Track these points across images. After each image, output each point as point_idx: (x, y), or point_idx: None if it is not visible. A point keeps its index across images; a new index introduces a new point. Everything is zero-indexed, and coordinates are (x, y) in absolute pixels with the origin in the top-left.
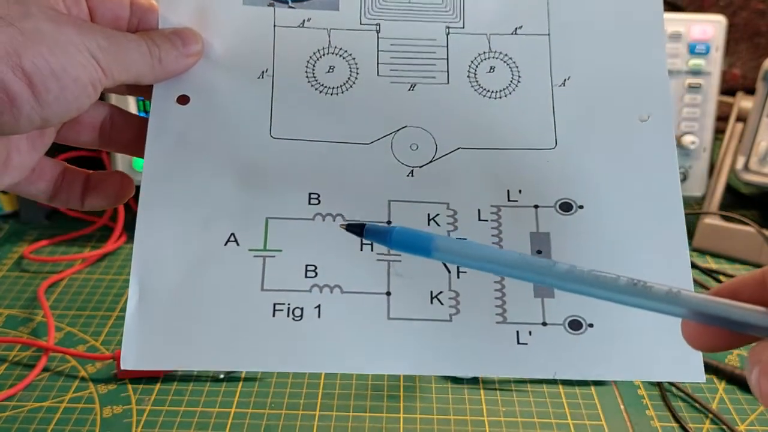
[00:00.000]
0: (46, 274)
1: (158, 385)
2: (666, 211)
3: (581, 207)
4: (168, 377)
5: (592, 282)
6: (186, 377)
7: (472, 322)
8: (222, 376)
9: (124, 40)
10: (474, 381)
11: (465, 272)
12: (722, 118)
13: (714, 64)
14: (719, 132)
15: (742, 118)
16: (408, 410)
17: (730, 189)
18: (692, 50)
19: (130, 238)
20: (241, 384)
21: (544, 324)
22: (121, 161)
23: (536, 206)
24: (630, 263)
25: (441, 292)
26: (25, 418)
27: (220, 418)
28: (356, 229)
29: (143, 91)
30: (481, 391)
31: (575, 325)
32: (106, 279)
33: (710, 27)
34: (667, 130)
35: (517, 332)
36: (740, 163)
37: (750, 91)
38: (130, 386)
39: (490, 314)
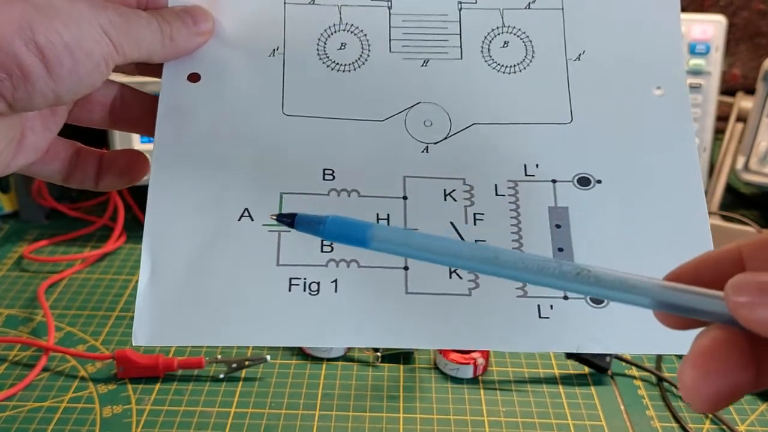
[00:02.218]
0: (46, 274)
1: (158, 385)
2: (685, 183)
3: (599, 182)
4: (168, 377)
5: (536, 271)
6: (186, 377)
7: (492, 297)
8: (222, 375)
9: (135, 17)
10: (474, 381)
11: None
12: (722, 118)
13: (714, 64)
14: (719, 132)
15: (742, 118)
16: (408, 410)
17: (730, 189)
18: (692, 50)
19: (130, 238)
20: (241, 384)
21: (566, 297)
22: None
23: (554, 181)
24: (650, 237)
25: None
26: (25, 418)
27: (220, 418)
28: (287, 219)
29: (153, 71)
30: (481, 391)
31: (597, 298)
32: (106, 279)
33: (710, 27)
34: (683, 103)
35: (539, 306)
36: (740, 163)
37: (750, 91)
38: (130, 386)
39: (510, 288)
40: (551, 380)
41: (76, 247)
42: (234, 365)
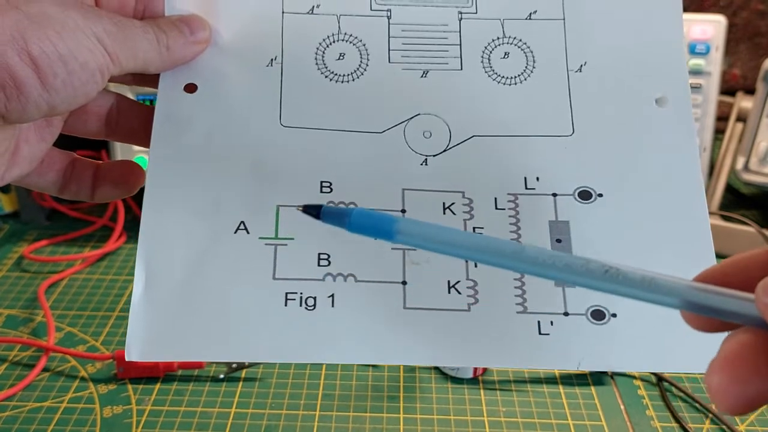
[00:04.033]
0: (46, 274)
1: (158, 385)
2: (687, 196)
3: (600, 195)
4: (168, 377)
5: (561, 268)
6: (186, 377)
7: (492, 312)
8: (222, 376)
9: (131, 26)
10: (474, 381)
11: None
12: (722, 118)
13: (714, 64)
14: (719, 132)
15: (742, 118)
16: (408, 410)
17: (730, 189)
18: (692, 50)
19: (130, 238)
20: (241, 384)
21: (566, 314)
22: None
23: (554, 194)
24: (652, 251)
25: (458, 281)
26: (25, 418)
27: (220, 419)
28: (313, 210)
29: (149, 81)
30: (481, 391)
31: (598, 314)
32: (107, 279)
33: (710, 27)
34: (685, 114)
35: (539, 322)
36: (740, 163)
37: (750, 91)
38: (130, 386)
39: (509, 304)
40: (551, 380)
41: (77, 247)
42: (234, 365)
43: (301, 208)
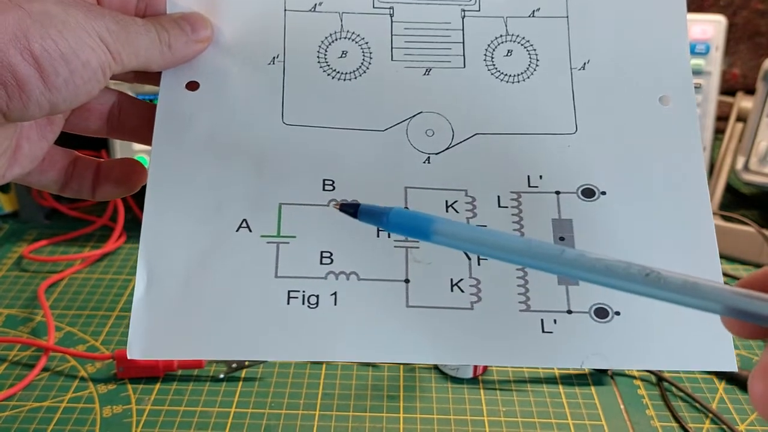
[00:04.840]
0: (45, 274)
1: (158, 385)
2: (691, 194)
3: (604, 193)
4: (168, 377)
5: (602, 271)
6: (186, 377)
7: (495, 311)
8: (222, 375)
9: (132, 24)
10: (474, 381)
11: (486, 259)
12: (722, 118)
13: (714, 64)
14: (719, 132)
15: (742, 118)
16: (408, 410)
17: (730, 189)
18: (692, 50)
19: (130, 238)
20: (241, 384)
21: (570, 312)
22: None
23: (558, 192)
24: (655, 250)
25: (461, 280)
26: (25, 418)
27: (220, 418)
28: (350, 209)
29: (151, 79)
30: (481, 391)
31: (601, 313)
32: (106, 279)
33: (710, 27)
34: (689, 112)
35: (542, 321)
36: (740, 163)
37: (750, 91)
38: (130, 386)
39: (513, 302)
40: (551, 380)
41: (76, 247)
42: (234, 365)
43: (338, 206)
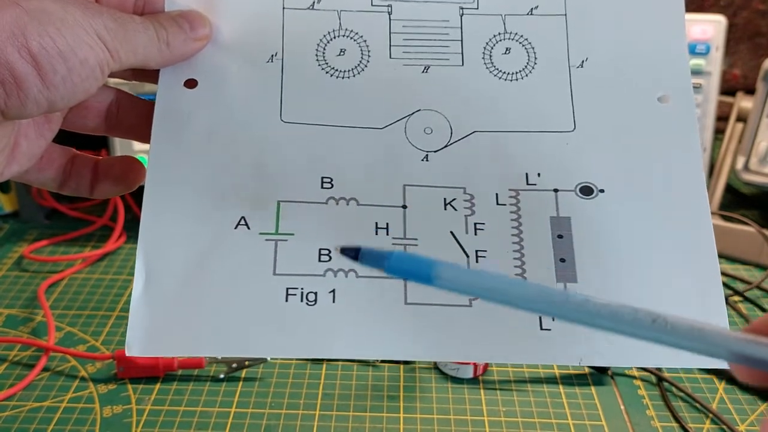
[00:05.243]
0: (46, 274)
1: (158, 385)
2: (689, 192)
3: (602, 191)
4: (168, 377)
5: (608, 316)
6: (186, 377)
7: (493, 308)
8: (222, 375)
9: (131, 22)
10: (474, 381)
11: (484, 256)
12: (722, 118)
13: (714, 64)
14: (719, 132)
15: (742, 118)
16: (408, 410)
17: (730, 189)
18: (692, 50)
19: (131, 237)
20: (241, 384)
21: None
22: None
23: (556, 190)
24: (653, 248)
25: None
26: (25, 418)
27: (220, 418)
28: (351, 252)
29: (149, 77)
30: (481, 391)
31: None
32: (106, 279)
33: (710, 27)
34: (688, 110)
35: (540, 318)
36: (740, 163)
37: (750, 91)
38: (130, 386)
39: None
40: (551, 380)
41: (76, 247)
42: (234, 365)
43: (339, 250)
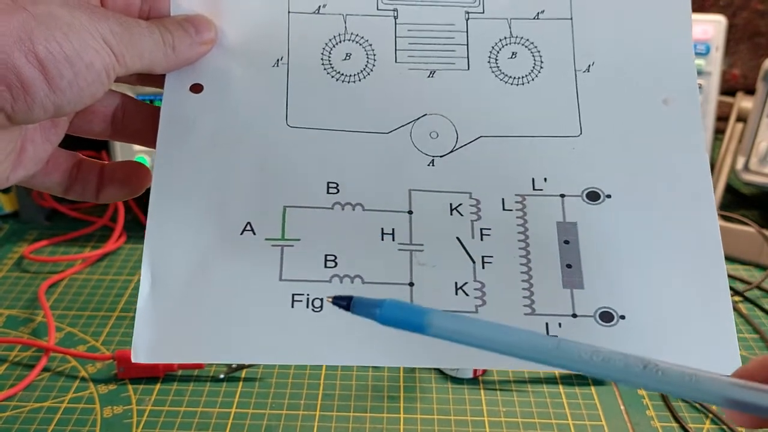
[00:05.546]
0: (46, 275)
1: (158, 385)
2: (696, 196)
3: (609, 196)
4: (168, 377)
5: (599, 365)
6: (186, 377)
7: (500, 314)
8: (222, 376)
9: (136, 26)
10: (474, 381)
11: (490, 262)
12: (722, 118)
13: (714, 64)
14: (719, 132)
15: (742, 118)
16: (408, 410)
17: (730, 189)
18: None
19: (131, 238)
20: (241, 384)
21: (575, 316)
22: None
23: (562, 195)
24: (659, 254)
25: (466, 283)
26: (26, 419)
27: (220, 419)
28: (343, 302)
29: (155, 81)
30: (481, 391)
31: (606, 317)
32: (107, 279)
33: (710, 27)
34: (694, 114)
35: (547, 324)
36: (740, 163)
37: (750, 91)
38: (130, 386)
39: (518, 306)
40: (551, 380)
41: (77, 247)
42: (234, 365)
43: (330, 300)
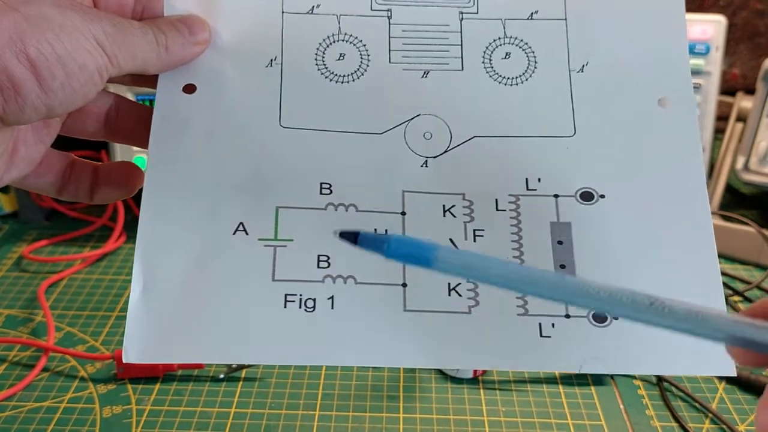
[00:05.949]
0: (45, 274)
1: (158, 385)
2: (690, 197)
3: (602, 196)
4: (168, 377)
5: (605, 299)
6: (186, 377)
7: (493, 315)
8: (222, 375)
9: (129, 27)
10: (474, 381)
11: None
12: (722, 118)
13: (714, 64)
14: (719, 132)
15: (742, 118)
16: (408, 410)
17: (730, 189)
18: (692, 50)
19: (130, 238)
20: (241, 384)
21: (568, 316)
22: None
23: (556, 195)
24: (654, 253)
25: (459, 284)
26: (25, 418)
27: (220, 418)
28: (350, 236)
29: (148, 82)
30: (481, 391)
31: (600, 317)
32: (106, 279)
33: (710, 27)
34: (689, 114)
35: (540, 324)
36: (740, 163)
37: (750, 91)
38: (129, 386)
39: (510, 306)
40: (551, 380)
41: (76, 247)
42: (234, 365)
43: (337, 234)
